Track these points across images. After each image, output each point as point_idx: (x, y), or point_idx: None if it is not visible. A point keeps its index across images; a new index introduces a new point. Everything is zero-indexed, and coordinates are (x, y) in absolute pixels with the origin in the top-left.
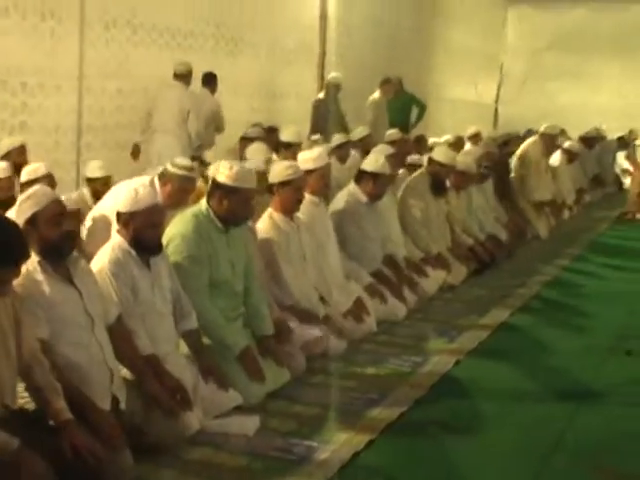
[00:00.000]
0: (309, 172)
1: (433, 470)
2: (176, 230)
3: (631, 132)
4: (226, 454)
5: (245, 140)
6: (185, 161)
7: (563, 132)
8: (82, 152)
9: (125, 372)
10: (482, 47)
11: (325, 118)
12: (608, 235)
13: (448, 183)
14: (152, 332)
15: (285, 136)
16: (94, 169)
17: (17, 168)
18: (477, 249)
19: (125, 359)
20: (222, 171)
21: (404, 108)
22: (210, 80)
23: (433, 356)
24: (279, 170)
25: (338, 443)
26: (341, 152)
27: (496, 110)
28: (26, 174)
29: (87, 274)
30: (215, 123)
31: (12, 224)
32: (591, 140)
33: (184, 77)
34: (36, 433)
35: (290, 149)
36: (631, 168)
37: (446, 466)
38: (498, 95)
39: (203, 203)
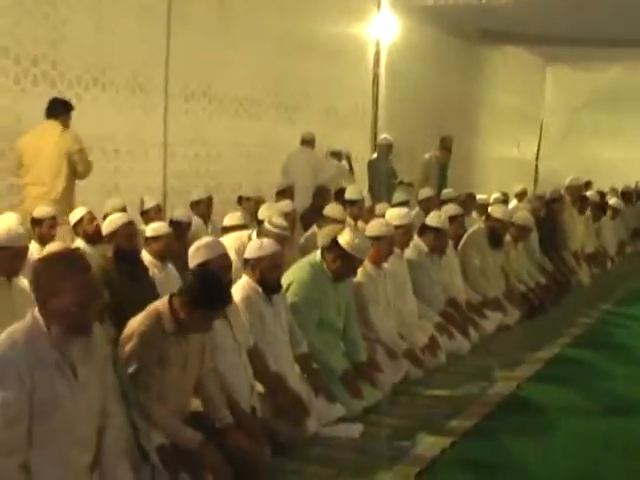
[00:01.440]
0: (396, 227)
1: (504, 464)
2: (295, 275)
3: None
4: (338, 451)
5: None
6: (281, 221)
7: (589, 184)
8: (166, 212)
9: (259, 387)
10: (523, 106)
11: (378, 177)
12: None
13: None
14: (275, 355)
15: (349, 194)
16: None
17: None
18: (529, 295)
19: (259, 376)
20: (345, 237)
21: (446, 167)
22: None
23: (497, 382)
24: (375, 226)
25: (428, 443)
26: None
27: (536, 167)
28: (151, 230)
29: (233, 308)
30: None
31: (219, 277)
32: (630, 195)
33: (310, 142)
34: (207, 432)
35: (355, 205)
36: None
37: (513, 462)
38: (538, 152)
39: (318, 254)
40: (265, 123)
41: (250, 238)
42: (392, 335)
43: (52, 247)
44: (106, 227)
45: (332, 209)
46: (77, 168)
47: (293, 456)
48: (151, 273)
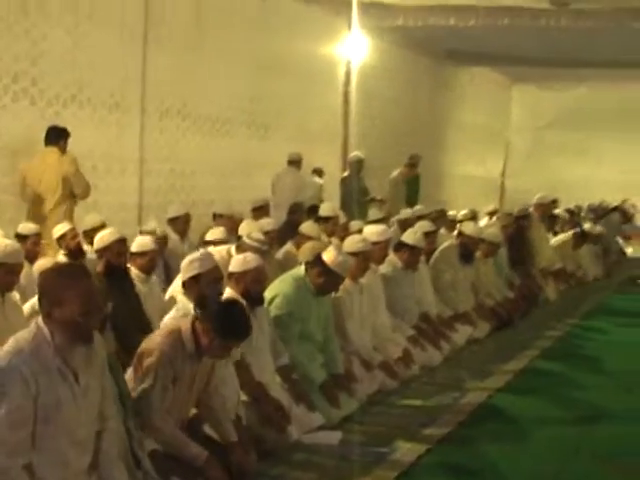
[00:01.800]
0: (374, 244)
1: (478, 470)
2: (279, 289)
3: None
4: (319, 457)
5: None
6: (260, 235)
7: (555, 201)
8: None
9: (243, 396)
10: (490, 125)
11: (350, 194)
12: (614, 298)
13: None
14: (259, 366)
15: (323, 211)
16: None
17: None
18: (498, 309)
19: (245, 386)
20: (329, 254)
21: (415, 185)
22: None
23: (468, 392)
24: (353, 242)
25: (404, 449)
26: None
27: (502, 184)
28: (137, 246)
29: None
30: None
31: (243, 309)
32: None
33: (296, 163)
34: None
35: (329, 222)
36: None
37: (487, 467)
38: (504, 170)
39: (302, 268)
40: (238, 140)
41: (229, 253)
42: (367, 347)
43: (42, 263)
44: (97, 242)
45: (307, 226)
46: (75, 190)
47: (277, 462)
48: (137, 287)
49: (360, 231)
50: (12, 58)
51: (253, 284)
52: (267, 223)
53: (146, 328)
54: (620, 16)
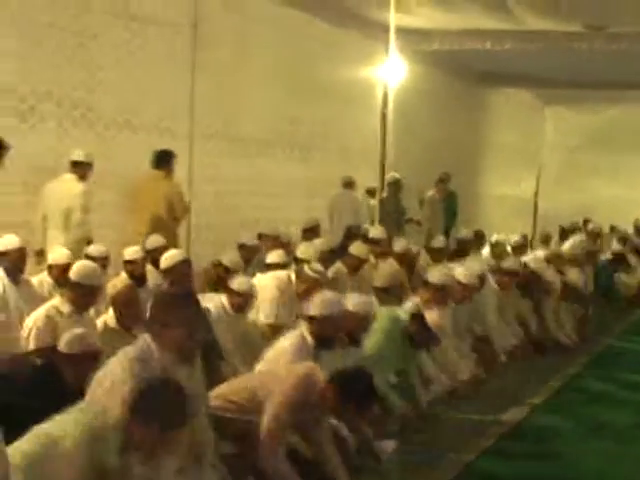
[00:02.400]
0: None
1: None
2: (382, 325)
3: None
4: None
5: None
6: (319, 266)
7: (587, 222)
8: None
9: None
10: (523, 146)
11: (389, 214)
12: None
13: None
14: None
15: (374, 234)
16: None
17: None
18: None
19: None
20: (431, 315)
21: (452, 203)
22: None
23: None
24: (437, 274)
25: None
26: None
27: (535, 204)
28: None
29: None
30: None
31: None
32: None
33: (350, 185)
34: None
35: (378, 244)
36: None
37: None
38: (537, 191)
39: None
40: (279, 162)
41: (290, 278)
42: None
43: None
44: (164, 262)
45: (357, 247)
46: (176, 213)
47: None
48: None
49: (405, 251)
50: (71, 87)
51: (330, 330)
52: (321, 243)
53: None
54: None
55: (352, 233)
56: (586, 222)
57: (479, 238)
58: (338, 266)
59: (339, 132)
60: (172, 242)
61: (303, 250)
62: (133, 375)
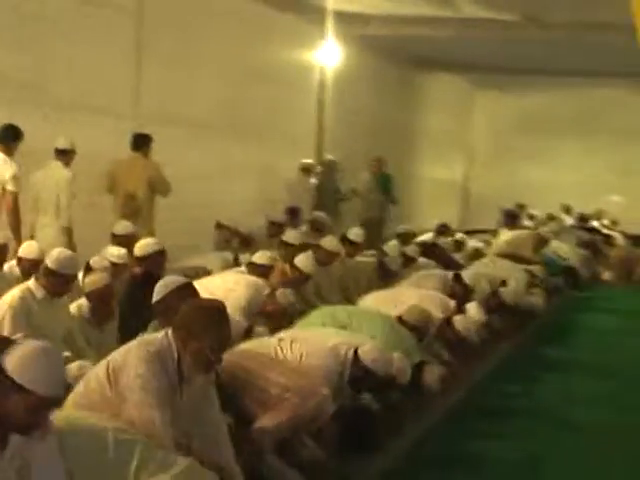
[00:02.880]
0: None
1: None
2: None
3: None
4: None
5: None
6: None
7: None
8: None
9: None
10: (456, 129)
11: (326, 194)
12: None
13: None
14: None
15: (353, 235)
16: None
17: None
18: None
19: None
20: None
21: (387, 182)
22: None
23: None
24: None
25: None
26: None
27: (466, 187)
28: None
29: None
30: None
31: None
32: None
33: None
34: None
35: (354, 246)
36: None
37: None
38: (468, 174)
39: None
40: (221, 145)
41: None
42: None
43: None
44: (138, 250)
45: (329, 241)
46: (159, 191)
47: None
48: None
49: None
50: (19, 68)
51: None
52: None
53: None
54: (582, 29)
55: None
56: (522, 207)
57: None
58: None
59: (277, 115)
60: (148, 224)
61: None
62: (150, 370)
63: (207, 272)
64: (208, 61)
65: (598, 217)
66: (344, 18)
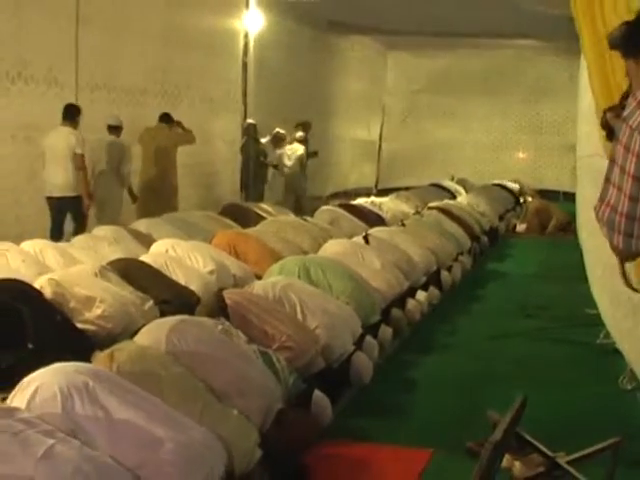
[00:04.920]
0: None
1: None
2: None
3: None
4: None
5: None
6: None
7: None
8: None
9: None
10: (369, 91)
11: (249, 158)
12: None
13: None
14: None
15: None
16: None
17: None
18: None
19: None
20: None
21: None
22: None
23: None
24: None
25: None
26: None
27: (379, 146)
28: None
29: None
30: None
31: None
32: None
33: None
34: None
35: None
36: None
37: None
38: (381, 133)
39: None
40: (153, 110)
41: None
42: None
43: None
44: None
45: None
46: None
47: None
48: None
49: None
50: None
51: None
52: None
53: None
54: None
55: None
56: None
57: None
58: None
59: (204, 81)
60: None
61: None
62: None
63: None
64: (140, 29)
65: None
66: None
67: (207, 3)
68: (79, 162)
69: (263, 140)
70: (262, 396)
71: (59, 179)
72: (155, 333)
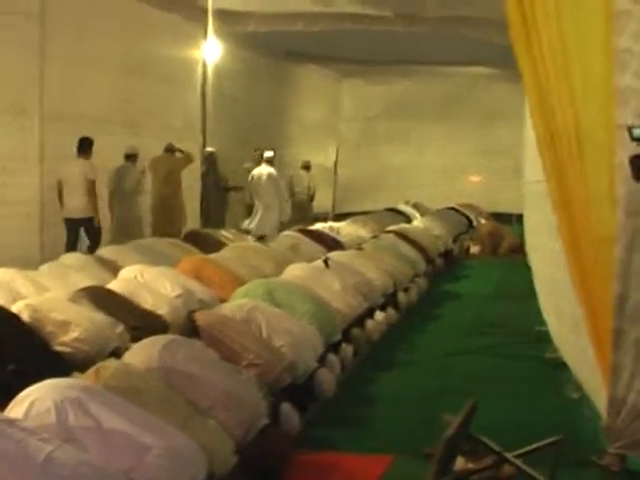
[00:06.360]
0: None
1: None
2: None
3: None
4: None
5: None
6: None
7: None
8: (45, 220)
9: None
10: (325, 117)
11: (209, 186)
12: None
13: None
14: None
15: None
16: None
17: None
18: None
19: None
20: None
21: None
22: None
23: None
24: None
25: None
26: None
27: (335, 172)
28: None
29: None
30: None
31: None
32: None
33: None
34: None
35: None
36: None
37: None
38: (337, 159)
39: None
40: (114, 139)
41: None
42: None
43: None
44: None
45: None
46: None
47: None
48: None
49: None
50: None
51: None
52: None
53: None
54: (448, 23)
55: None
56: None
57: None
58: None
59: (164, 109)
60: None
61: None
62: None
63: None
64: (102, 60)
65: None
66: (224, 16)
67: (166, 33)
68: (91, 187)
69: (247, 165)
70: (245, 412)
71: (75, 203)
72: (148, 351)
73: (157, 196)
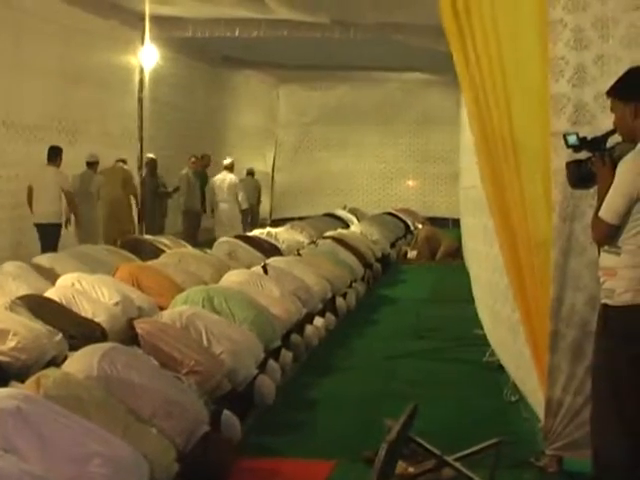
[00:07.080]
0: None
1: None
2: None
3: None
4: None
5: None
6: None
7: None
8: None
9: None
10: (262, 123)
11: (149, 191)
12: None
13: None
14: None
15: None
16: None
17: None
18: None
19: None
20: None
21: (204, 178)
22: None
23: None
24: None
25: None
26: None
27: (272, 178)
28: None
29: None
30: None
31: None
32: None
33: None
34: None
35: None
36: None
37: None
38: (274, 164)
39: None
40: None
41: None
42: None
43: None
44: None
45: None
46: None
47: None
48: None
49: None
50: None
51: None
52: None
53: None
54: (385, 30)
55: None
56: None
57: None
58: None
59: (102, 116)
60: None
61: None
62: None
63: None
64: (38, 67)
65: None
66: (161, 22)
67: (104, 40)
68: (69, 197)
69: (184, 171)
70: (187, 419)
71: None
72: (87, 359)
73: (110, 200)
